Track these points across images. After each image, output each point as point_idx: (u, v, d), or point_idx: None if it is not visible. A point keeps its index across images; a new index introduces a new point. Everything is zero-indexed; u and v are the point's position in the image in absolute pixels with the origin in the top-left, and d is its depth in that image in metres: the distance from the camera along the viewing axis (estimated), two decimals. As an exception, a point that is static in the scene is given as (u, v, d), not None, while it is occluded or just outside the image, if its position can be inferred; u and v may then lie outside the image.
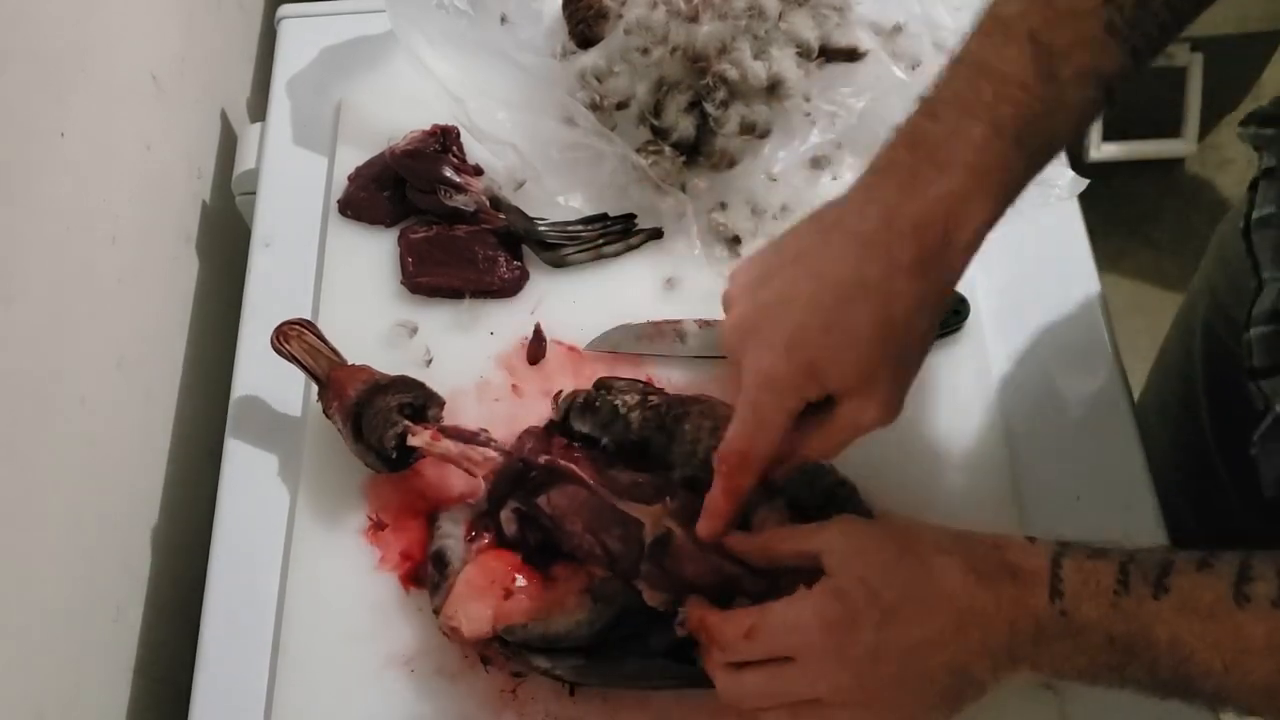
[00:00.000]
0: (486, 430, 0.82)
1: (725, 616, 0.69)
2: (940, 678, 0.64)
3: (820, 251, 0.65)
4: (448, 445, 0.79)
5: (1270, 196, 0.82)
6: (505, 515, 0.75)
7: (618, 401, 0.77)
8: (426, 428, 0.80)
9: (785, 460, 0.70)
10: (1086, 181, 0.90)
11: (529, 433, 0.80)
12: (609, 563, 0.73)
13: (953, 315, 0.86)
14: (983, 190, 0.62)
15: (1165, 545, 0.62)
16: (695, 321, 0.87)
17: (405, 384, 0.82)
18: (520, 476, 0.77)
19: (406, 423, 0.80)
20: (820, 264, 0.65)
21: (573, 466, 0.75)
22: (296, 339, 0.84)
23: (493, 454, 0.78)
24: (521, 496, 0.76)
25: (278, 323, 0.84)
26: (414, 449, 0.80)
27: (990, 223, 0.64)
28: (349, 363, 0.84)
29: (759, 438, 0.67)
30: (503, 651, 0.74)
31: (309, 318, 0.88)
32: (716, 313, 0.87)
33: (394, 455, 0.80)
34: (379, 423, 0.79)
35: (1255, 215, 0.83)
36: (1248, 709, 0.59)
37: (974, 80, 0.63)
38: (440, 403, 0.83)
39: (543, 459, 0.76)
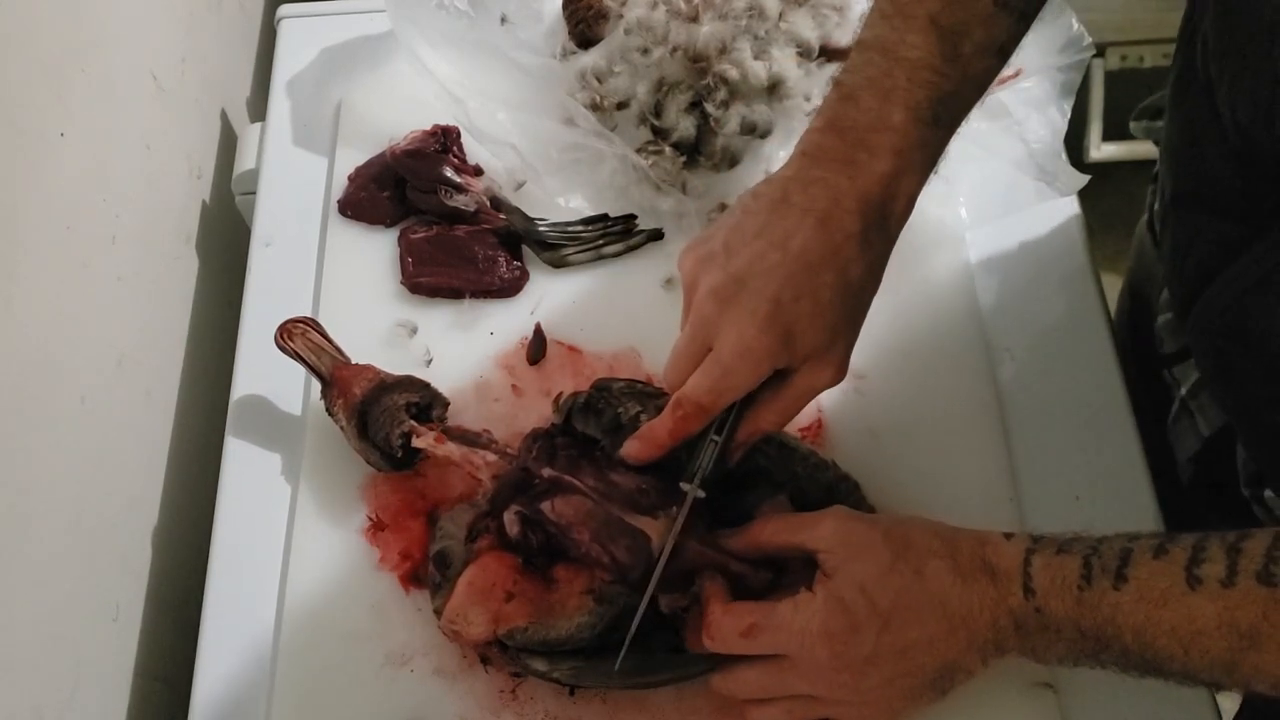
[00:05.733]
0: (489, 431, 0.81)
1: (727, 609, 0.70)
2: (931, 672, 0.67)
3: (779, 226, 0.70)
4: (451, 449, 0.79)
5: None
6: (509, 517, 0.75)
7: (620, 409, 0.77)
8: (431, 428, 0.80)
9: (743, 438, 0.73)
10: (1086, 178, 0.90)
11: (533, 435, 0.80)
12: (616, 572, 0.73)
13: None
14: (909, 168, 0.70)
15: (1130, 533, 0.64)
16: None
17: (411, 383, 0.82)
18: (523, 484, 0.76)
19: (412, 423, 0.80)
20: (782, 236, 0.69)
21: (576, 482, 0.75)
22: (301, 336, 0.84)
23: (494, 458, 0.78)
24: (525, 502, 0.75)
25: (278, 322, 0.84)
26: (419, 449, 0.80)
27: (918, 191, 0.71)
28: (353, 361, 0.84)
29: (723, 396, 0.71)
30: (502, 654, 0.74)
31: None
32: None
33: (399, 454, 0.80)
34: (385, 421, 0.79)
35: (1157, 207, 0.85)
36: (1214, 686, 0.62)
37: (885, 66, 0.69)
38: (445, 403, 0.83)
39: (545, 473, 0.76)
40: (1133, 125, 0.91)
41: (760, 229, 0.70)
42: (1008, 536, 0.67)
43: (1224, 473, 0.78)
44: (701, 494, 0.73)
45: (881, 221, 0.70)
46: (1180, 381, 0.82)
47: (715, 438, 0.72)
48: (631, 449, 0.74)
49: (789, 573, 0.73)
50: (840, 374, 0.71)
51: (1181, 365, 0.82)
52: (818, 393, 0.72)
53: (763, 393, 0.71)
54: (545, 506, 0.74)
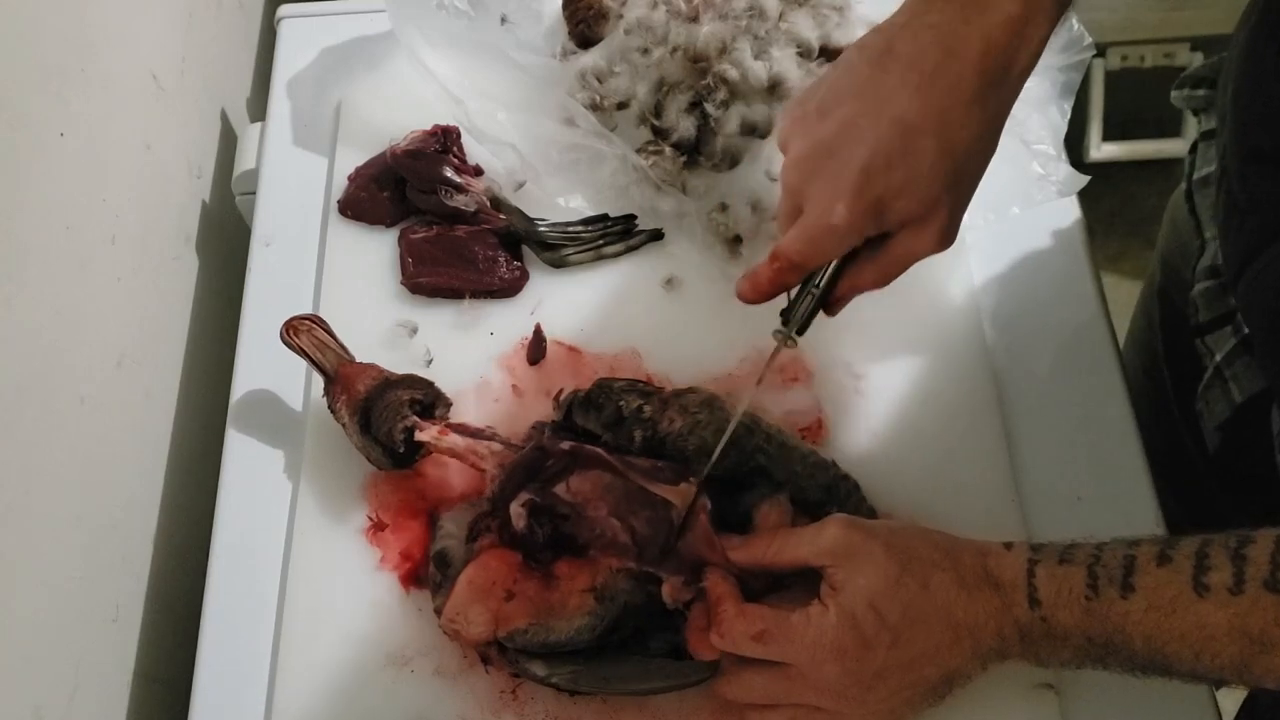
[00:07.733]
0: (492, 427, 0.81)
1: (740, 611, 0.70)
2: (934, 681, 0.67)
3: (878, 84, 0.64)
4: (455, 440, 0.79)
5: (1209, 157, 0.83)
6: (515, 509, 0.75)
7: (621, 402, 0.77)
8: (434, 423, 0.80)
9: (842, 294, 0.71)
10: (1086, 179, 0.90)
11: (540, 424, 0.80)
12: (635, 546, 0.73)
13: None
14: (1041, 11, 0.63)
15: (1128, 539, 0.64)
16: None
17: (414, 381, 0.82)
18: (535, 467, 0.77)
19: (415, 417, 0.80)
20: (879, 98, 0.64)
21: (598, 450, 0.75)
22: (306, 333, 0.84)
23: (499, 447, 0.78)
24: (537, 487, 0.75)
25: (279, 323, 0.84)
26: (420, 445, 0.80)
27: (1047, 39, 0.64)
28: (357, 360, 0.84)
29: (813, 259, 0.68)
30: (501, 654, 0.74)
31: (311, 317, 0.87)
32: (721, 317, 0.87)
33: (401, 449, 0.80)
34: (388, 416, 0.79)
35: (1196, 176, 0.86)
36: (1221, 683, 0.63)
37: None
38: (447, 402, 0.83)
39: (566, 445, 0.76)
40: (1174, 95, 0.90)
41: (857, 88, 0.65)
42: (1007, 546, 0.67)
43: (1254, 439, 0.78)
44: (793, 343, 0.71)
45: (1003, 75, 0.63)
46: (1214, 350, 0.82)
47: (814, 289, 0.70)
48: (742, 287, 0.72)
49: (786, 583, 0.73)
50: (945, 241, 0.67)
51: (1214, 334, 0.82)
52: (920, 258, 0.68)
53: (865, 250, 0.69)
54: (560, 488, 0.74)
